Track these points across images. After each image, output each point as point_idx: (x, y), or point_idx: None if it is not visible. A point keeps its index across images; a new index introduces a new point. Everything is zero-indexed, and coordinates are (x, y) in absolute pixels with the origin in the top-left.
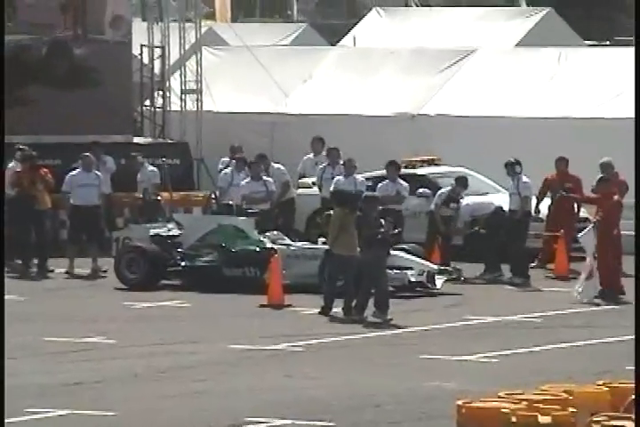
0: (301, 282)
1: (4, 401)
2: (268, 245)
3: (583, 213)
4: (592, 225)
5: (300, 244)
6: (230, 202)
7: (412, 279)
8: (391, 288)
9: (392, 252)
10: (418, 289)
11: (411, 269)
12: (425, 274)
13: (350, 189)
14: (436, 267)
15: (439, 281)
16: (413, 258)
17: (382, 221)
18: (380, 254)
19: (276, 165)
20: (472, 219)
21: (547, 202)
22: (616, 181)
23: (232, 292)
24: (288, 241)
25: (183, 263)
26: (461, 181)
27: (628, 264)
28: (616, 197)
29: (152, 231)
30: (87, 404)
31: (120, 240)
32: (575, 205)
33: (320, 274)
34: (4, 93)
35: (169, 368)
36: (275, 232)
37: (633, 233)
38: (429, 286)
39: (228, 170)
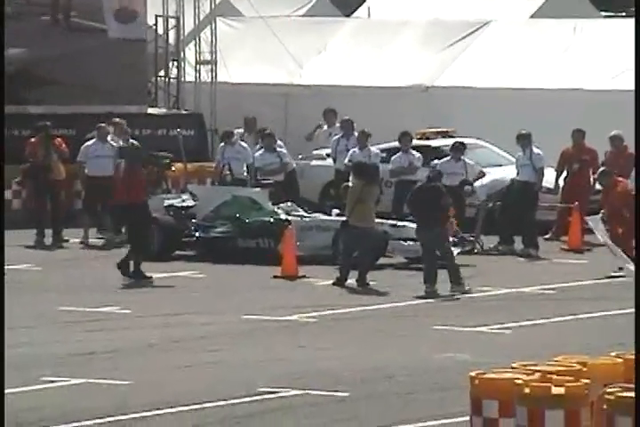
0: (315, 253)
1: (3, 401)
2: (282, 216)
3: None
4: (600, 216)
5: (313, 215)
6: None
7: None
8: (404, 260)
9: (407, 223)
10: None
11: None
12: None
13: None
14: (451, 238)
15: (454, 252)
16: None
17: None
18: (441, 233)
19: (279, 142)
20: (488, 196)
21: (563, 174)
22: (625, 154)
23: (246, 263)
24: (302, 212)
25: (197, 234)
26: (457, 149)
27: None
28: (619, 188)
29: (166, 202)
30: (102, 373)
31: None
32: (591, 178)
33: (334, 245)
34: (4, 93)
35: (183, 338)
36: (289, 203)
37: None
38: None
39: (222, 144)
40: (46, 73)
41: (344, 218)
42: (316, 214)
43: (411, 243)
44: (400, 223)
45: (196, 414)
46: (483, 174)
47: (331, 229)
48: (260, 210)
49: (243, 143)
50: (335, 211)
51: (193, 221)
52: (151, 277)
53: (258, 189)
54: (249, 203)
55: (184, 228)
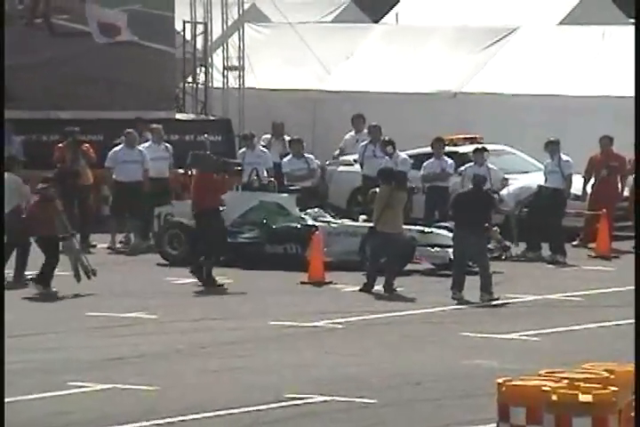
0: (343, 259)
1: (4, 399)
2: (310, 222)
3: (626, 192)
4: None
5: (341, 221)
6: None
7: (452, 257)
8: (432, 266)
9: (434, 229)
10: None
11: (452, 247)
12: None
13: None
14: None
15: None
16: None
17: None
18: (481, 241)
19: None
20: (517, 203)
21: (591, 181)
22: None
23: (273, 268)
24: (329, 218)
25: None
26: (479, 153)
27: None
28: None
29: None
30: (129, 378)
31: (162, 216)
32: (619, 185)
33: (361, 251)
34: (3, 94)
35: (210, 344)
36: (316, 209)
37: None
38: (470, 263)
39: (243, 149)
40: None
41: (371, 224)
42: (344, 220)
43: (438, 249)
44: (427, 229)
45: (223, 420)
46: (506, 182)
47: (358, 234)
48: (288, 216)
49: (262, 148)
50: (362, 217)
51: None
52: (222, 284)
53: (285, 195)
54: (276, 208)
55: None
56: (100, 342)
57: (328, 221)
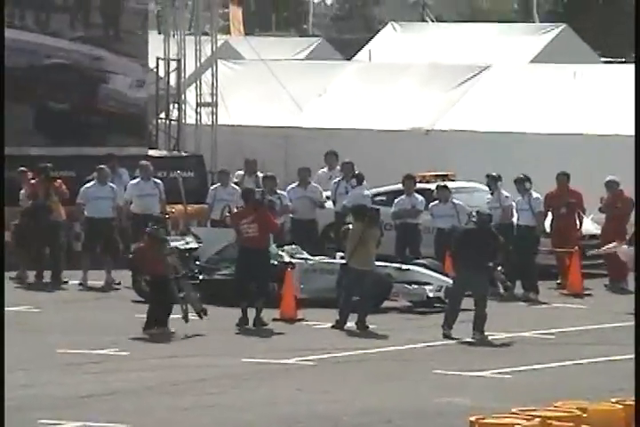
0: (320, 296)
1: (3, 399)
2: (286, 258)
3: (597, 229)
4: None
5: (317, 258)
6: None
7: (431, 295)
8: (409, 303)
9: (411, 267)
10: (436, 305)
11: (429, 284)
12: (443, 289)
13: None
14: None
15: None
16: (432, 273)
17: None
18: (484, 280)
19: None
20: None
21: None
22: (621, 198)
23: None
24: (306, 255)
25: (201, 277)
26: (442, 190)
27: None
28: None
29: (171, 244)
30: (100, 416)
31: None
32: (578, 221)
33: (338, 288)
34: (3, 93)
35: (182, 381)
36: (293, 246)
37: None
38: (447, 300)
39: (215, 185)
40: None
41: (344, 261)
42: (320, 257)
43: (415, 286)
44: (404, 267)
45: None
46: (471, 217)
47: (334, 271)
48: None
49: (234, 184)
50: (339, 254)
51: (197, 263)
52: (268, 323)
53: None
54: None
55: (187, 270)
56: (71, 378)
57: (305, 258)
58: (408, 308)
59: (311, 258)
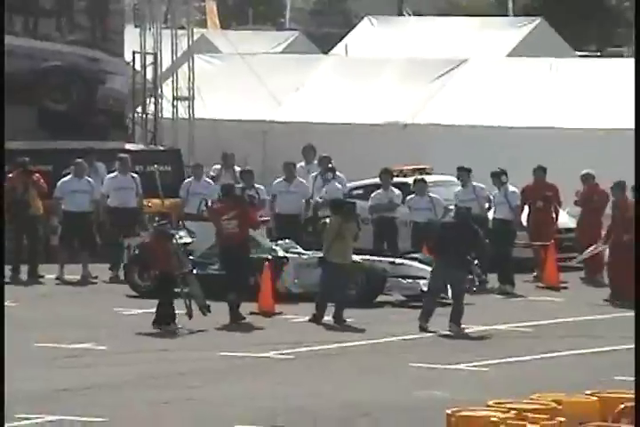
0: (312, 291)
1: (4, 398)
2: (281, 253)
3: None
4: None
5: (311, 252)
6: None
7: (425, 288)
8: (403, 297)
9: (405, 261)
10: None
11: (423, 278)
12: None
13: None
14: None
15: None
16: (425, 267)
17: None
18: (462, 273)
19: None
20: None
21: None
22: (597, 191)
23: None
24: (300, 250)
25: (195, 271)
26: (419, 184)
27: None
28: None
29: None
30: (77, 410)
31: (132, 247)
32: (554, 215)
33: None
34: (3, 93)
35: (160, 375)
36: (287, 240)
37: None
38: (441, 295)
39: (189, 179)
40: None
41: (321, 255)
42: (315, 252)
43: (410, 281)
44: (398, 261)
45: None
46: (447, 211)
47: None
48: (258, 247)
49: (208, 178)
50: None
51: (190, 257)
52: (245, 317)
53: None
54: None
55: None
56: (48, 373)
57: (299, 253)
58: (402, 302)
59: (305, 253)
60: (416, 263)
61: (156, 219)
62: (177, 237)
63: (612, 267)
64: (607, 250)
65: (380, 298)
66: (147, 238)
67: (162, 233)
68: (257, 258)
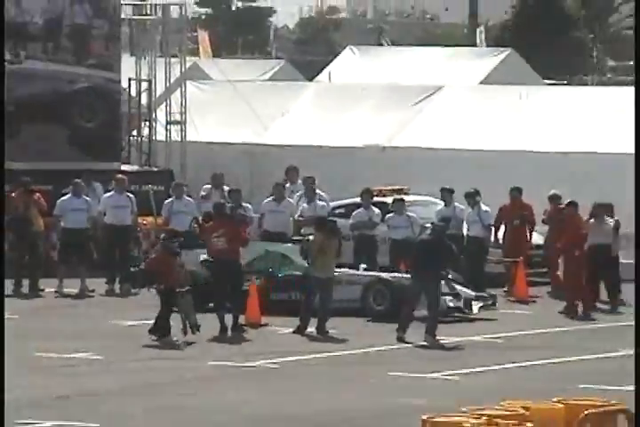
0: (344, 306)
1: (4, 398)
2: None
3: (540, 240)
4: None
5: (342, 270)
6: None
7: (451, 305)
8: (426, 313)
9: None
10: (455, 315)
11: (449, 294)
12: (462, 300)
13: (314, 214)
14: (473, 293)
15: (475, 307)
16: (452, 284)
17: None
18: (437, 287)
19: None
20: None
21: (501, 229)
22: (562, 211)
23: (276, 314)
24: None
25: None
26: (398, 204)
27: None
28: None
29: (202, 257)
30: (73, 416)
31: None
32: (528, 233)
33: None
34: (4, 94)
35: (154, 384)
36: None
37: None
38: (466, 311)
39: (170, 198)
40: None
41: (372, 273)
42: (343, 269)
43: None
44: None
45: None
46: (424, 229)
47: (359, 282)
48: (291, 264)
49: (188, 198)
50: (362, 266)
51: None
52: (245, 329)
53: (290, 245)
54: (280, 258)
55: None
56: (46, 381)
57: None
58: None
59: (336, 270)
60: (443, 281)
61: (162, 236)
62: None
63: (565, 281)
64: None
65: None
66: (154, 254)
67: (169, 250)
68: (290, 275)
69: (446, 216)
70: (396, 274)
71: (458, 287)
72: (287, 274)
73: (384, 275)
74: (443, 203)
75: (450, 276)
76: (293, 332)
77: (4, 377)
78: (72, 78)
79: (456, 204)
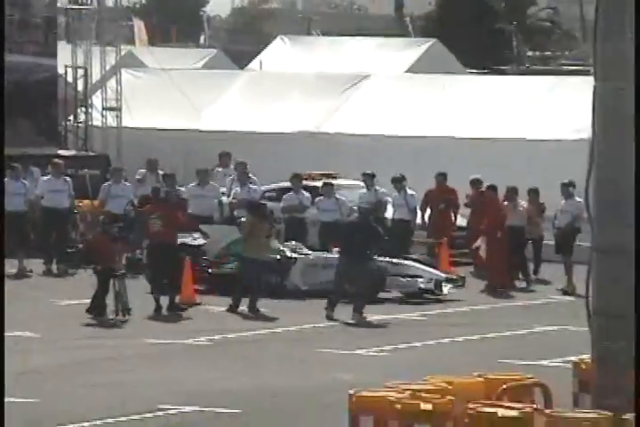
0: (319, 288)
1: (4, 399)
2: (289, 253)
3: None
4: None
5: (316, 253)
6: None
7: (422, 286)
8: (400, 294)
9: (404, 261)
10: (426, 296)
11: (420, 277)
12: (433, 282)
13: (246, 198)
14: (443, 275)
15: (445, 288)
16: (423, 267)
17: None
18: (364, 267)
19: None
20: None
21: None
22: (484, 193)
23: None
24: (306, 251)
25: (210, 270)
26: (327, 187)
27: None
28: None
29: (180, 240)
30: (15, 393)
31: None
32: (453, 216)
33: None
34: (4, 93)
35: (91, 360)
36: (294, 242)
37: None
38: (437, 292)
39: (108, 182)
40: None
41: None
42: (320, 252)
43: (409, 279)
44: (398, 261)
45: None
46: (352, 211)
47: (333, 266)
48: (268, 248)
49: (126, 182)
50: (335, 249)
51: (204, 258)
52: (185, 308)
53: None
54: None
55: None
56: None
57: (306, 254)
58: (400, 299)
59: (311, 253)
60: (414, 263)
61: (102, 218)
62: (191, 238)
63: (487, 261)
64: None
65: (381, 295)
66: (93, 236)
67: (108, 232)
68: (267, 258)
69: (375, 201)
70: (327, 255)
71: (428, 269)
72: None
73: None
74: (365, 186)
75: (419, 258)
76: (226, 310)
77: (3, 377)
78: (10, 66)
79: (377, 187)
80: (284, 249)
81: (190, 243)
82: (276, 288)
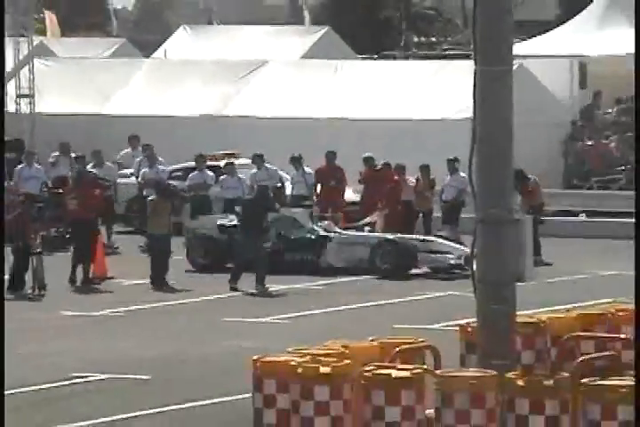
0: (351, 265)
1: (4, 399)
2: (322, 233)
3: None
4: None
5: (349, 231)
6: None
7: (452, 262)
8: (429, 269)
9: (432, 238)
10: (455, 271)
11: (449, 253)
12: (463, 257)
13: (154, 178)
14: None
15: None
16: (451, 243)
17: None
18: (260, 240)
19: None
20: None
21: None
22: (375, 170)
23: (290, 274)
24: (338, 230)
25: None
26: (229, 167)
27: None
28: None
29: (218, 222)
30: None
31: (191, 230)
32: (341, 192)
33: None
34: (4, 94)
35: (8, 332)
36: (326, 222)
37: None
38: (467, 267)
39: (21, 165)
40: None
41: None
42: (350, 231)
43: (438, 255)
44: (427, 238)
45: (15, 398)
46: (252, 189)
47: (366, 244)
48: (301, 228)
49: (38, 165)
50: (367, 228)
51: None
52: (98, 282)
53: (300, 210)
54: (291, 222)
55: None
56: None
57: (338, 232)
58: (430, 274)
59: (344, 232)
60: (442, 240)
61: (21, 198)
62: (227, 220)
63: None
64: (381, 218)
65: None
66: (13, 215)
67: (26, 212)
68: (300, 237)
69: (267, 178)
70: (399, 235)
71: (455, 246)
72: (299, 236)
73: (390, 236)
74: (268, 166)
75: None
76: (150, 283)
77: (4, 377)
78: None
79: (267, 165)
80: (317, 229)
81: (227, 224)
82: (312, 266)
